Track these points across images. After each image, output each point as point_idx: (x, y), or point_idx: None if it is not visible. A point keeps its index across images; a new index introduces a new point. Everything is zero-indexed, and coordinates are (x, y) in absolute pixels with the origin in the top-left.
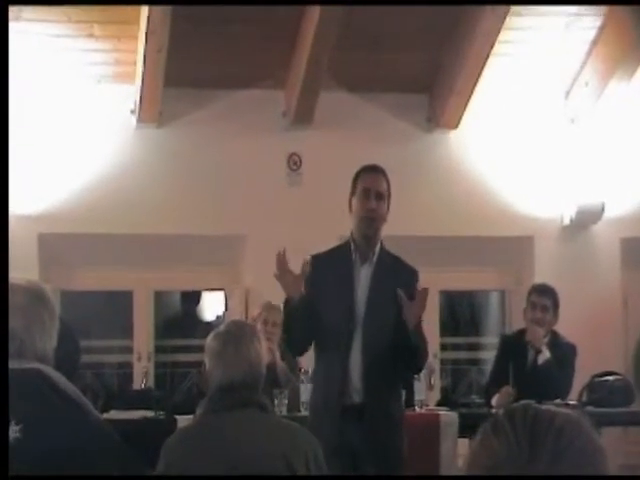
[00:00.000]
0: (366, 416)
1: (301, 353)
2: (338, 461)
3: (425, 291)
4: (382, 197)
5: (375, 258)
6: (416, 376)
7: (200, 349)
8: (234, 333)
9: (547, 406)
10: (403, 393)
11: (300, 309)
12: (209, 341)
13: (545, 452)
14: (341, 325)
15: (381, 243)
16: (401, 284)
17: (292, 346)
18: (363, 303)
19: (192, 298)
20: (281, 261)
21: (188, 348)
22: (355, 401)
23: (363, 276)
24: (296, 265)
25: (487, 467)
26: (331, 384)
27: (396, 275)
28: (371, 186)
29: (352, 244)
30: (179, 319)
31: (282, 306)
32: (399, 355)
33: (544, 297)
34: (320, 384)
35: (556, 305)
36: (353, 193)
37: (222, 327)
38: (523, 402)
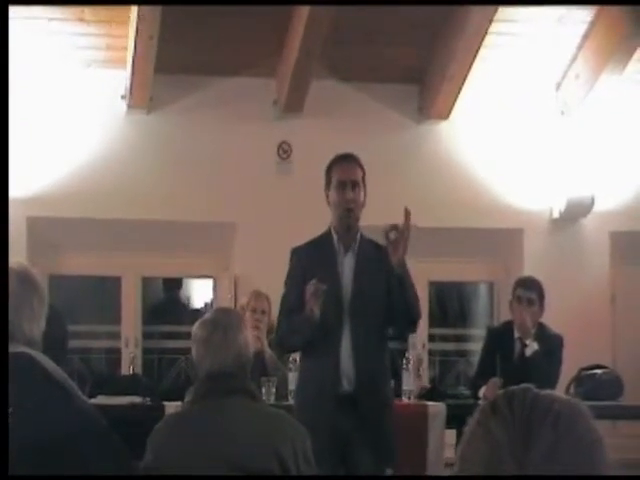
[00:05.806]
0: (359, 404)
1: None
2: (331, 451)
3: (407, 215)
4: (358, 185)
5: (357, 246)
6: (404, 367)
7: (188, 336)
8: (221, 321)
9: (547, 391)
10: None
11: (314, 327)
12: (195, 329)
13: (542, 439)
14: (330, 316)
15: (359, 230)
16: (383, 270)
17: (285, 349)
18: (349, 292)
19: (177, 285)
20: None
21: (176, 335)
22: (347, 390)
23: (347, 265)
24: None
25: (484, 453)
26: (324, 375)
27: (378, 261)
28: (346, 177)
29: (334, 235)
30: (167, 305)
31: (307, 317)
32: (391, 317)
33: (530, 290)
34: (311, 375)
35: (542, 297)
36: (328, 185)
37: (208, 315)
38: (523, 385)
